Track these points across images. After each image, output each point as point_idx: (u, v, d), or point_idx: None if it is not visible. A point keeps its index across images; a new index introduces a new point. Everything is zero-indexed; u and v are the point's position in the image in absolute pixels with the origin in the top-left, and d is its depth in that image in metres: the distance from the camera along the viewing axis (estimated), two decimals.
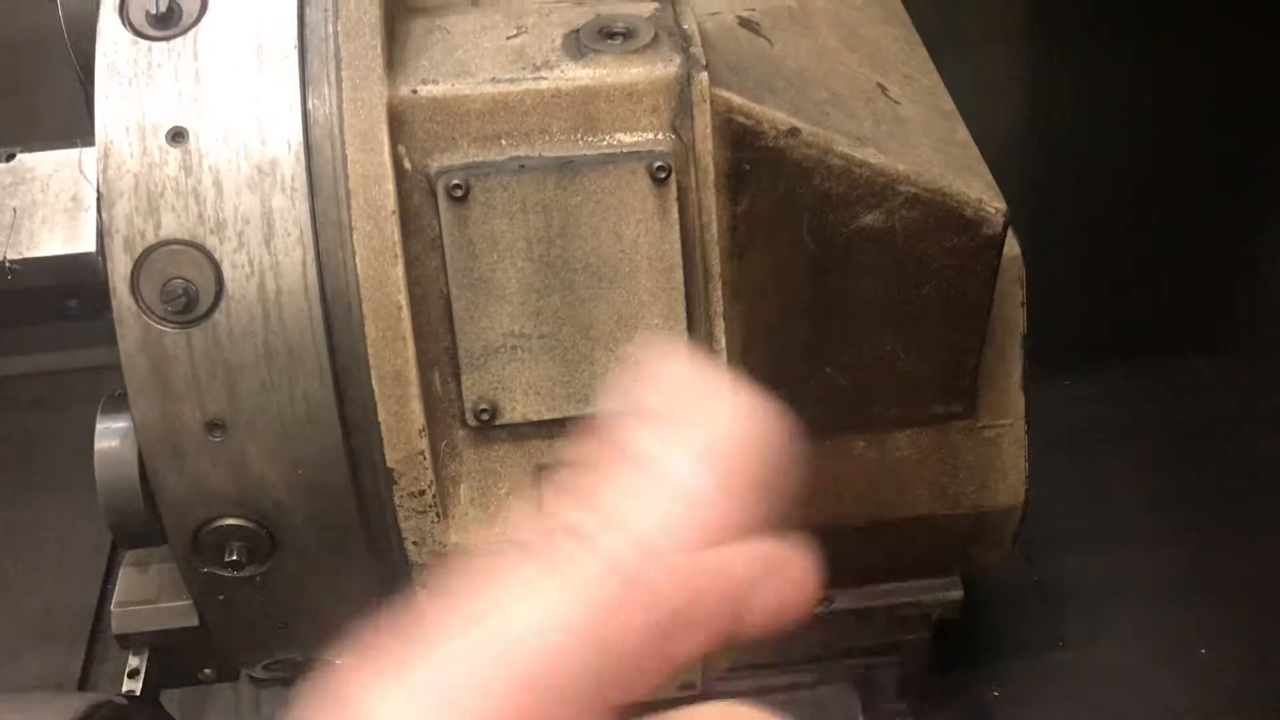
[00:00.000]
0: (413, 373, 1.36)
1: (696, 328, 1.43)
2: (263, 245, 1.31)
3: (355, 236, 1.32)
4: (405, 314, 1.34)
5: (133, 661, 1.53)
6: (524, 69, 1.38)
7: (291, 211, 1.31)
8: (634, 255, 1.39)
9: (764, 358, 1.58)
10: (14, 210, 1.32)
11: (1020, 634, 2.29)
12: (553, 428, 1.45)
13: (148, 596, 1.56)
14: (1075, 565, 2.35)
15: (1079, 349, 2.65)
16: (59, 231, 1.33)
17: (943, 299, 1.55)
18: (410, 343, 1.35)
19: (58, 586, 2.58)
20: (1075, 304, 2.67)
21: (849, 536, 1.81)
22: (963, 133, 1.64)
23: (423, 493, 1.42)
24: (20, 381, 3.06)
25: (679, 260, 1.40)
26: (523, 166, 1.36)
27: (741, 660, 1.90)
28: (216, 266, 1.30)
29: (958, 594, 1.83)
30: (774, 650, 2.02)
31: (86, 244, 1.32)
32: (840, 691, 2.31)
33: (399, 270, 1.34)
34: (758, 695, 2.27)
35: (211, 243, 1.30)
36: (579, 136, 1.38)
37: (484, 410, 1.42)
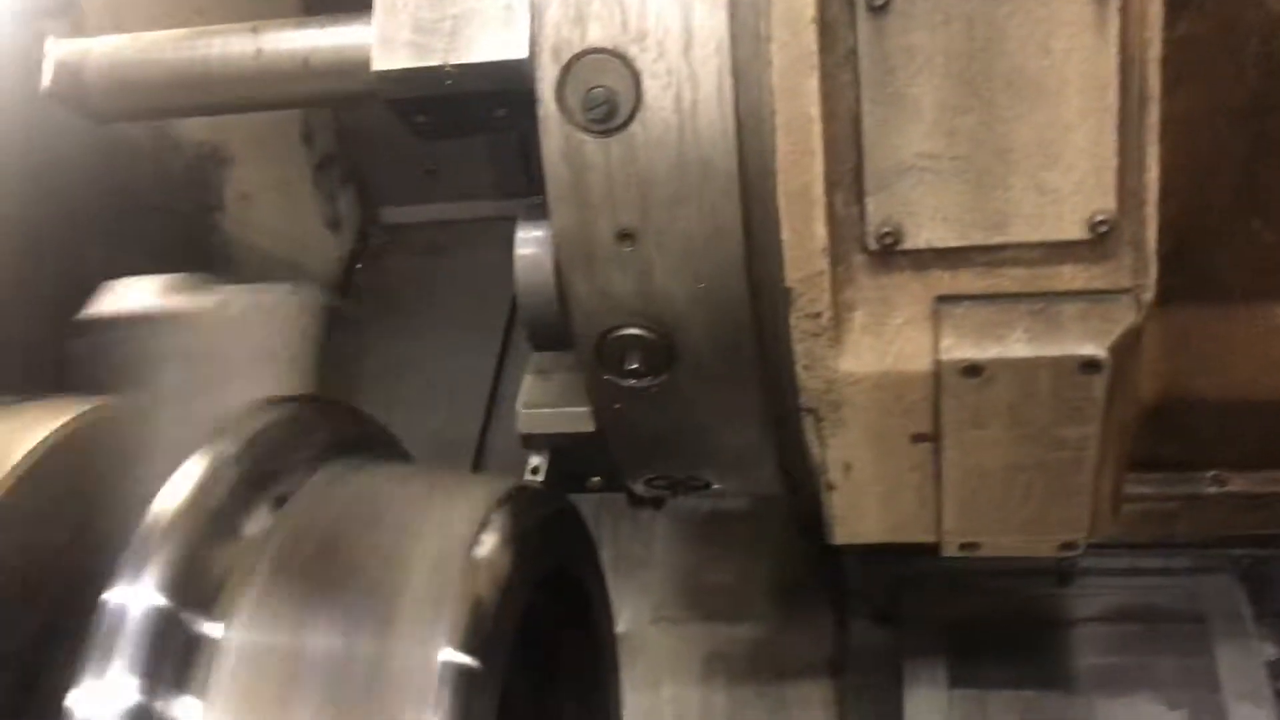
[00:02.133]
0: (819, 190, 1.35)
1: (1127, 155, 1.32)
2: (681, 55, 1.32)
3: (772, 46, 1.31)
4: (817, 127, 1.32)
5: (534, 460, 1.64)
6: None
7: (710, 21, 1.31)
8: (1063, 72, 1.29)
9: (1183, 207, 1.45)
10: (453, 18, 1.39)
11: None
12: (957, 257, 1.40)
13: (550, 401, 1.65)
14: None
15: None
16: (493, 39, 1.39)
17: None
18: (819, 158, 1.33)
19: (446, 415, 2.81)
20: None
21: (1255, 412, 1.65)
22: None
23: (819, 315, 1.41)
24: (416, 230, 3.32)
25: (1114, 78, 1.29)
26: None
27: (1117, 537, 1.79)
28: (637, 76, 1.33)
29: None
30: (1155, 528, 1.89)
31: (518, 51, 1.38)
32: (1222, 583, 2.15)
33: (814, 82, 1.31)
34: (1128, 575, 2.15)
35: (633, 52, 1.32)
36: None
37: (887, 234, 1.38)
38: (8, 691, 1.13)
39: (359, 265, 3.22)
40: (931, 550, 1.66)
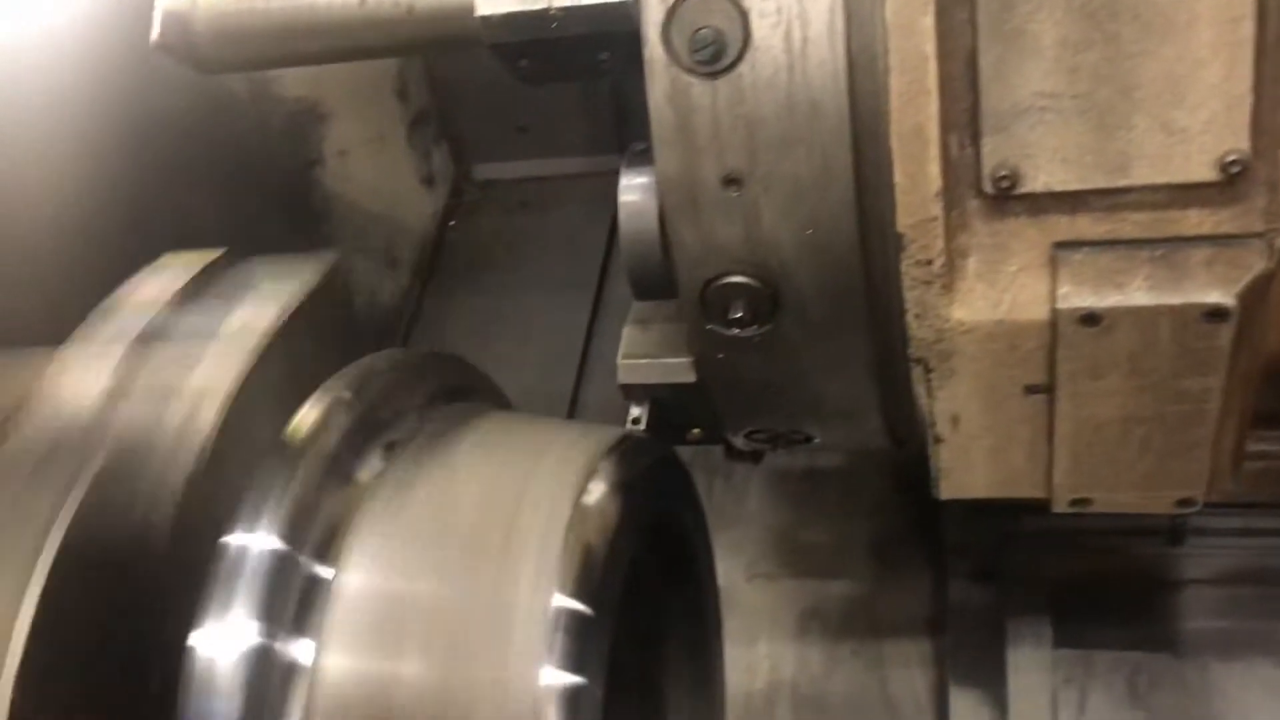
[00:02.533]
0: (934, 131, 1.30)
1: (1263, 91, 1.25)
2: None
3: None
4: (932, 66, 1.28)
5: (634, 411, 1.63)
6: None
7: None
8: (1194, 4, 1.23)
9: None
10: None
11: None
12: (1076, 201, 1.35)
13: (650, 351, 1.64)
14: None
15: None
16: None
17: None
18: (935, 97, 1.29)
19: (539, 371, 2.82)
20: None
21: None
22: None
23: (930, 262, 1.37)
24: (508, 186, 3.33)
25: (1250, 10, 1.22)
26: None
27: (1235, 495, 1.72)
28: (745, 15, 1.30)
29: None
30: (1275, 487, 1.82)
31: None
32: None
33: (929, 19, 1.27)
34: (1242, 535, 2.08)
35: None
36: None
37: (1003, 177, 1.33)
38: (131, 627, 1.15)
39: (452, 222, 3.23)
40: (1039, 506, 1.62)
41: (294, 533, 1.12)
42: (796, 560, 2.46)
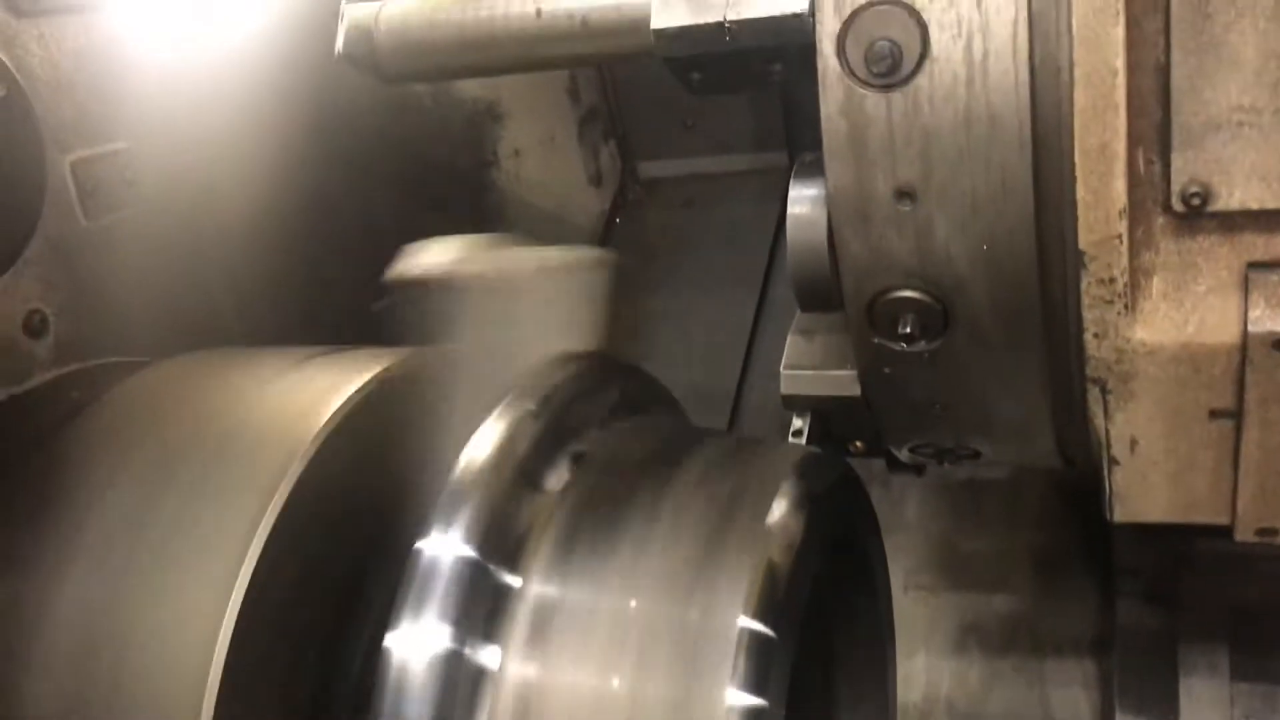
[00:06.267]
0: (1120, 147, 1.26)
1: None
2: (973, 4, 1.25)
3: None
4: (1121, 80, 1.23)
5: (796, 423, 1.62)
6: None
7: None
8: None
9: None
10: None
11: None
12: (1273, 220, 1.28)
13: (814, 363, 1.63)
14: None
15: None
16: None
17: None
18: (1122, 112, 1.24)
19: (703, 367, 2.82)
20: None
21: None
22: None
23: (1113, 280, 1.32)
24: (673, 184, 3.34)
25: None
26: None
27: None
28: (924, 27, 1.27)
29: None
30: None
31: (798, 4, 1.35)
32: None
33: (1119, 30, 1.22)
34: None
35: (921, 2, 1.27)
36: None
37: (1194, 194, 1.28)
38: (327, 625, 1.21)
39: (618, 219, 3.27)
40: (1219, 531, 1.54)
41: (486, 540, 1.15)
42: (956, 572, 2.41)
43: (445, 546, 1.13)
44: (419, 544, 1.14)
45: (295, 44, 2.00)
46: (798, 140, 3.15)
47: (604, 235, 3.21)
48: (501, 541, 1.16)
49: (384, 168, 2.17)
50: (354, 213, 2.07)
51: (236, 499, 1.16)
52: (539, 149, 2.84)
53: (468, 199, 2.57)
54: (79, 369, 1.53)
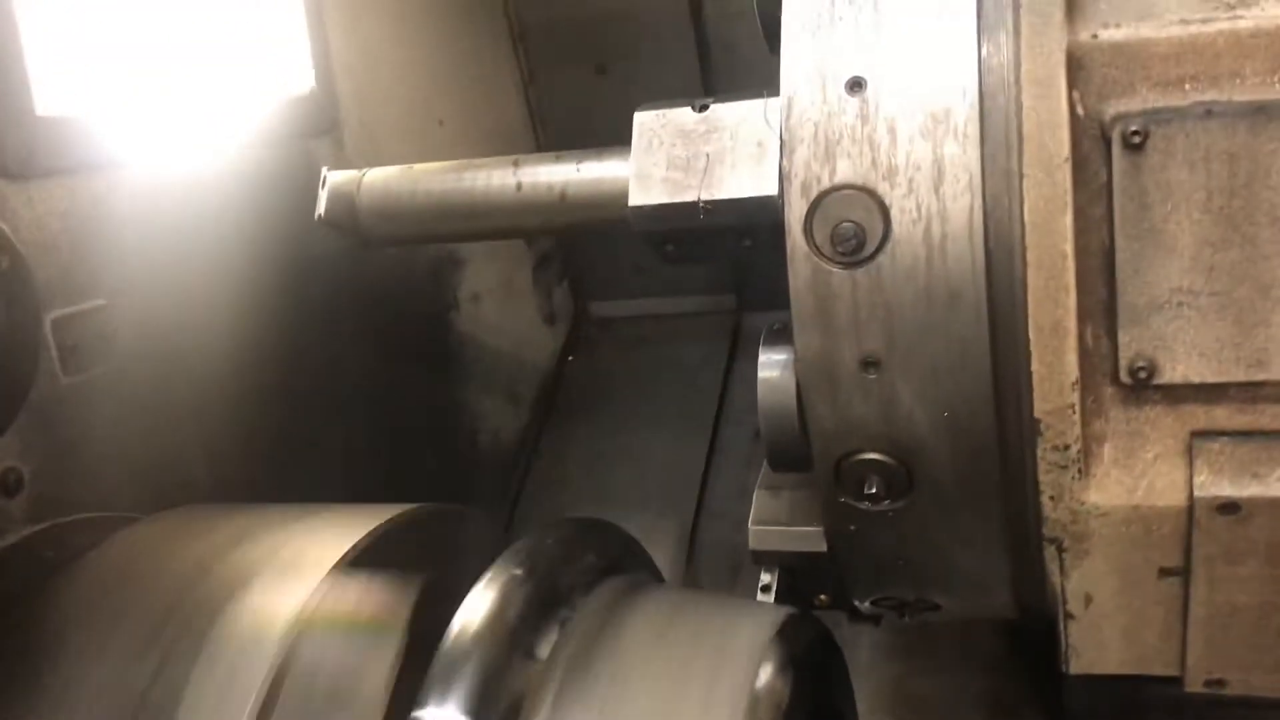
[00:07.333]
0: (1072, 324, 1.34)
1: None
2: (931, 191, 1.34)
3: (1025, 184, 1.32)
4: (1070, 263, 1.32)
5: (764, 578, 1.66)
6: (1217, 8, 1.30)
7: (962, 158, 1.33)
8: None
9: None
10: (707, 156, 1.46)
11: None
12: (1214, 393, 1.37)
13: (781, 519, 1.67)
14: None
15: None
16: (744, 175, 1.45)
17: None
18: (1072, 293, 1.33)
19: (657, 507, 2.86)
20: None
21: None
22: None
23: (1067, 447, 1.39)
24: (625, 323, 3.42)
25: None
26: (1209, 112, 1.28)
27: None
28: (885, 211, 1.36)
29: None
30: None
31: (768, 187, 1.43)
32: None
33: (1067, 219, 1.32)
34: None
35: (883, 188, 1.36)
36: (1277, 80, 1.27)
37: (1141, 368, 1.36)
38: None
39: (570, 356, 3.33)
40: (1171, 681, 1.60)
41: (481, 708, 1.16)
42: (909, 715, 2.42)
43: (441, 715, 1.14)
44: (416, 714, 1.15)
45: (269, 200, 2.04)
46: (745, 285, 3.26)
47: (557, 372, 3.27)
48: (497, 710, 1.17)
49: (351, 316, 2.21)
50: (322, 362, 2.09)
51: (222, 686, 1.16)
52: (497, 292, 2.90)
53: (429, 342, 2.61)
54: (51, 525, 1.52)
